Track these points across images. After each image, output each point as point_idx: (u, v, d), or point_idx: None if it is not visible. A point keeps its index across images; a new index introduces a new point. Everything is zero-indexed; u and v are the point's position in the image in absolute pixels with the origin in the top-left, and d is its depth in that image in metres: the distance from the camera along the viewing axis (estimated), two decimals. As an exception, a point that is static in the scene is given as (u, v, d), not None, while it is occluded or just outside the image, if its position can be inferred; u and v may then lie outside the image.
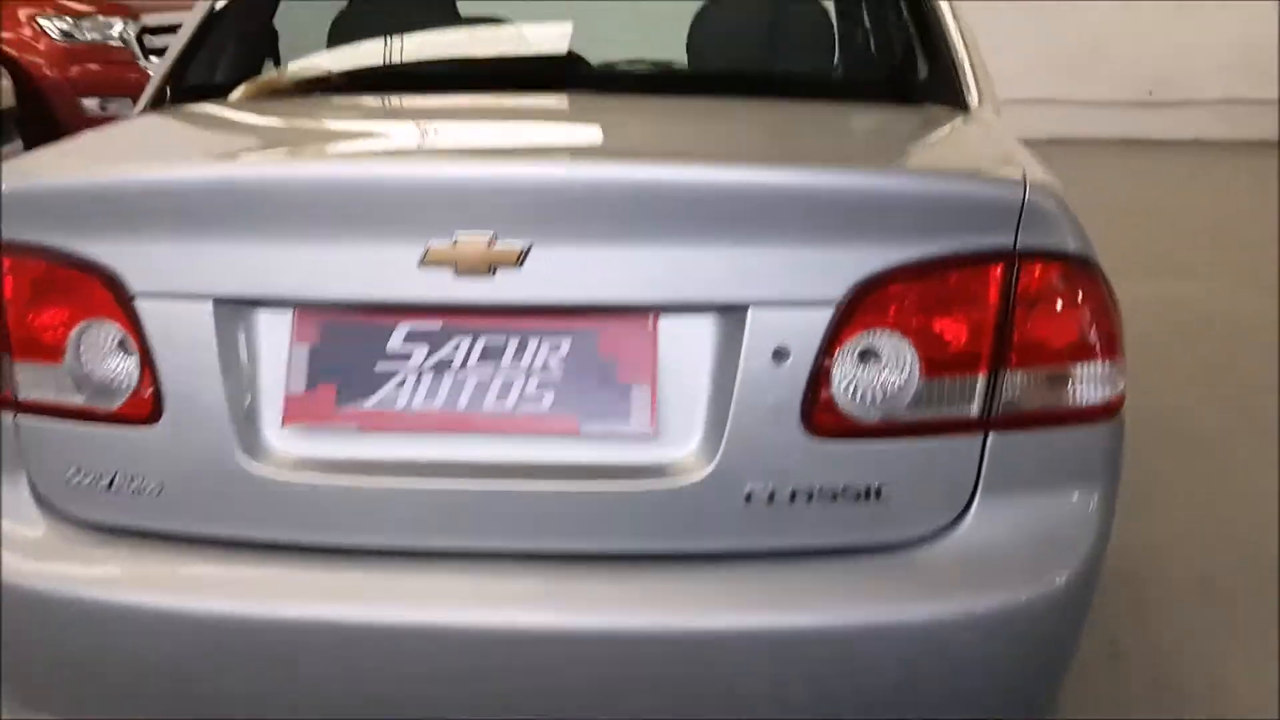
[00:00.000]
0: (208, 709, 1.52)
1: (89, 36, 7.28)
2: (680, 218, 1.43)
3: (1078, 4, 9.12)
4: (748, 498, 1.44)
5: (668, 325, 1.45)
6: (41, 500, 1.54)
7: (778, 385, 1.43)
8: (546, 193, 1.44)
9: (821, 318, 1.42)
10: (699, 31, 2.43)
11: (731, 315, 1.43)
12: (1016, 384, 1.46)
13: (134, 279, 1.46)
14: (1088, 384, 1.49)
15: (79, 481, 1.51)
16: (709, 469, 1.43)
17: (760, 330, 1.42)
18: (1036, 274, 1.45)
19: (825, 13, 2.53)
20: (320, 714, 1.50)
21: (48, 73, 7.16)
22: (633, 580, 1.46)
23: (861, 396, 1.44)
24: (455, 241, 1.39)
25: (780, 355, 1.43)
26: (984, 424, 1.46)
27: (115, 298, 1.46)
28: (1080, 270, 1.47)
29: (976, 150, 1.83)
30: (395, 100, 2.16)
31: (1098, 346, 1.48)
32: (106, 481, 1.50)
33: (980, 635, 1.46)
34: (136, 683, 1.53)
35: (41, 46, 7.20)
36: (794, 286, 1.42)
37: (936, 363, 1.45)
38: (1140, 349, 1.88)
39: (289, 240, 1.44)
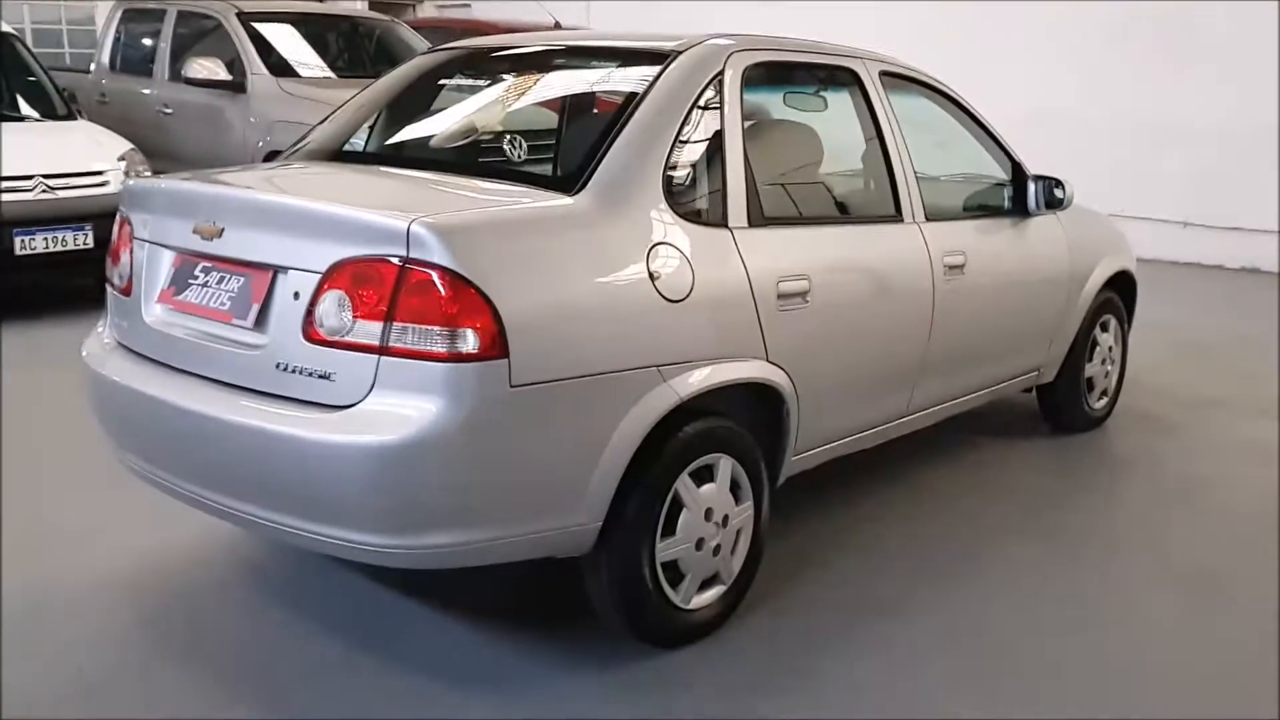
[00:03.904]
0: None
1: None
2: (277, 219, 2.67)
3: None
4: (277, 365, 2.57)
5: (282, 277, 2.58)
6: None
7: (294, 311, 2.54)
8: (234, 205, 2.81)
9: (314, 279, 2.51)
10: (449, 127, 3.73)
11: (281, 272, 2.59)
12: (397, 331, 2.41)
13: (138, 230, 3.02)
14: (431, 339, 2.38)
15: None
16: (263, 349, 2.59)
17: (288, 281, 2.56)
18: (411, 272, 2.39)
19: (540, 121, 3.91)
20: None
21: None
22: (213, 390, 2.68)
23: (328, 323, 2.47)
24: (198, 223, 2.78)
25: (297, 296, 2.54)
26: (380, 350, 2.43)
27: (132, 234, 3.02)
28: (440, 275, 2.37)
29: (464, 202, 2.82)
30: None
31: (444, 319, 2.38)
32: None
33: (365, 455, 2.42)
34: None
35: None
36: (304, 261, 2.53)
37: (361, 311, 2.44)
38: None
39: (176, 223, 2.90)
